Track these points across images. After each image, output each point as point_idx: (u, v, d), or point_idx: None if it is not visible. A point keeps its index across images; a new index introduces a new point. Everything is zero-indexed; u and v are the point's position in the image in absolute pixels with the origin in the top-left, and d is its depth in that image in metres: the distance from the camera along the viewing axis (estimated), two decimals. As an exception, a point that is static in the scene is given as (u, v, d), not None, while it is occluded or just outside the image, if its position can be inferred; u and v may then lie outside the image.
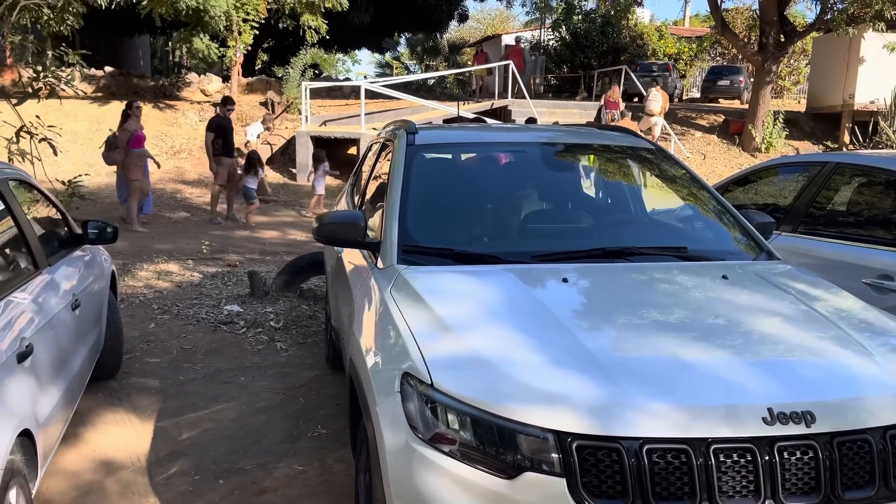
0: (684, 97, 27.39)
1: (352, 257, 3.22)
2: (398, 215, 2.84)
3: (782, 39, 16.81)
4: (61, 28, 5.93)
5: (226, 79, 20.42)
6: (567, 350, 1.97)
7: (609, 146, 3.51)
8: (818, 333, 2.21)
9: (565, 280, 2.41)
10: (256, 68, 27.66)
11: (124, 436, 3.90)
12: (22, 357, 2.48)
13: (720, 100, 25.21)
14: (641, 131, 14.80)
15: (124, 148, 10.06)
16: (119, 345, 4.58)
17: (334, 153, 14.67)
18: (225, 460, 3.65)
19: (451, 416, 1.85)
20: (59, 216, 3.88)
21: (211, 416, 4.18)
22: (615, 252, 2.68)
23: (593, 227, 3.14)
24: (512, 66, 18.10)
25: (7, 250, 2.95)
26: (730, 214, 3.10)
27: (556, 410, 1.77)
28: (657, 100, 16.13)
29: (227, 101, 11.67)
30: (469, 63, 33.21)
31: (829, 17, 16.27)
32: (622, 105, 16.34)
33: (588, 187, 3.47)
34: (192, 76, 20.48)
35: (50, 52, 5.68)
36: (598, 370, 1.87)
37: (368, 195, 3.89)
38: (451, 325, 2.11)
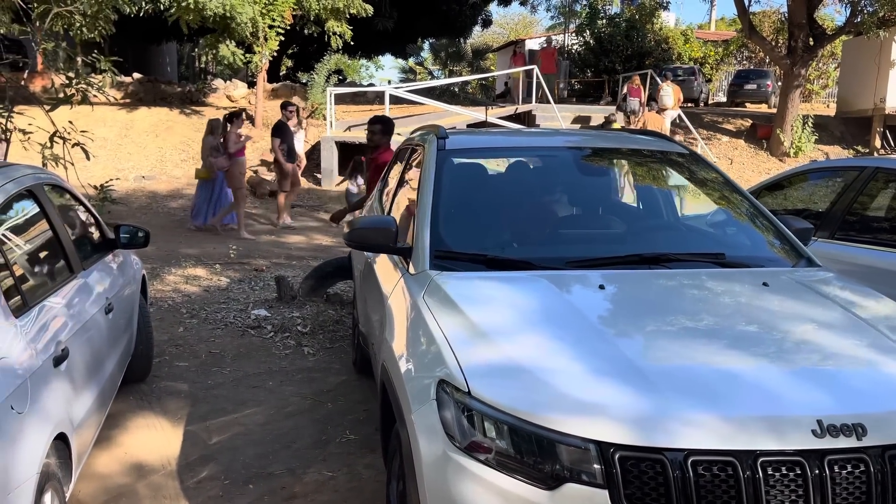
0: (710, 101, 27.13)
1: (383, 263, 3.21)
2: (430, 221, 2.82)
3: (811, 43, 16.57)
4: (93, 35, 6.01)
5: (251, 84, 20.59)
6: (606, 358, 1.93)
7: (640, 150, 3.46)
8: (865, 342, 2.15)
9: (601, 287, 2.37)
10: (281, 74, 27.90)
11: (155, 439, 3.91)
12: (58, 361, 2.50)
13: (746, 104, 24.93)
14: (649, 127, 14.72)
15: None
16: (150, 349, 4.61)
17: (354, 157, 14.73)
18: (254, 465, 3.65)
19: (488, 425, 1.82)
20: (91, 220, 3.92)
21: (240, 420, 4.18)
22: (651, 258, 2.63)
23: (627, 232, 3.09)
24: (536, 70, 18.04)
25: (43, 254, 2.97)
26: (766, 220, 3.03)
27: (597, 420, 1.73)
28: (669, 94, 16.05)
29: (286, 106, 11.61)
30: (492, 68, 33.21)
31: (858, 20, 16.01)
32: (644, 95, 16.35)
33: (620, 192, 3.42)
34: (219, 82, 20.72)
35: (79, 59, 5.73)
36: (639, 379, 1.83)
37: (398, 200, 3.87)
38: (486, 332, 2.08)
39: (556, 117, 16.59)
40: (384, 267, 3.17)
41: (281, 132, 10.99)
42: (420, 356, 2.17)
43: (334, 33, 16.54)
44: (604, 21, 27.55)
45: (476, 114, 16.37)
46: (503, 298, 2.32)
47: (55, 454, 2.43)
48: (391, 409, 2.55)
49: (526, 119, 17.43)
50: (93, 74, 5.84)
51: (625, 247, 2.87)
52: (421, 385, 2.04)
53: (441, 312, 2.24)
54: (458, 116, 16.58)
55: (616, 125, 15.18)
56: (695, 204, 3.34)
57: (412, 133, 4.64)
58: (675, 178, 3.38)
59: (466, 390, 1.86)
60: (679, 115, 16.66)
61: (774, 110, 23.44)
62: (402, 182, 3.92)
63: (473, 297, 2.32)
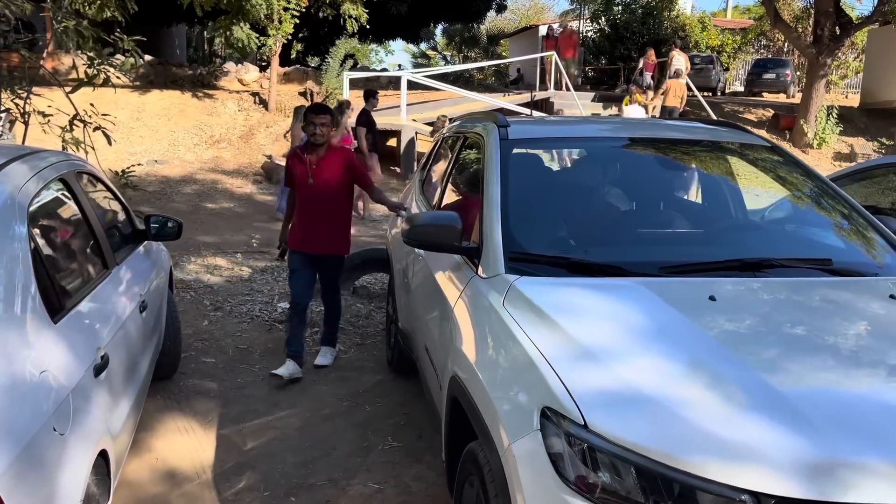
0: (727, 91, 26.73)
1: (441, 262, 2.95)
2: (500, 218, 2.56)
3: (837, 32, 16.19)
4: (114, 13, 5.73)
5: (262, 68, 20.29)
6: (744, 386, 1.66)
7: (719, 142, 3.19)
8: None
9: (712, 298, 2.11)
10: (291, 58, 27.54)
11: (187, 444, 3.69)
12: (98, 370, 2.26)
13: (764, 94, 24.53)
14: (671, 95, 14.99)
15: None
16: (178, 345, 4.39)
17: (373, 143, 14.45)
18: (294, 474, 3.42)
19: (608, 464, 1.57)
20: (121, 210, 3.68)
21: (274, 423, 3.96)
22: (752, 264, 2.37)
23: (718, 234, 2.83)
24: (555, 56, 17.69)
25: (78, 249, 2.73)
26: (867, 221, 2.76)
27: (750, 465, 1.47)
28: (681, 62, 15.82)
29: (371, 95, 11.27)
30: (504, 54, 32.76)
31: (886, 8, 15.61)
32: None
33: (698, 187, 3.15)
34: (230, 65, 20.39)
35: (99, 39, 5.45)
36: (790, 413, 1.57)
37: (448, 194, 3.62)
38: (590, 350, 1.83)
39: (576, 105, 16.25)
40: (443, 266, 2.92)
41: (367, 121, 10.66)
42: (510, 375, 1.92)
43: (350, 16, 16.23)
44: (619, 7, 27.10)
45: (493, 100, 16.05)
46: (601, 310, 2.06)
47: (94, 472, 2.20)
48: (463, 425, 2.31)
49: (543, 107, 17.10)
50: (116, 56, 5.56)
51: (721, 250, 2.60)
52: (518, 411, 1.79)
53: (530, 325, 1.99)
54: (474, 103, 16.26)
55: (635, 99, 14.91)
56: (783, 202, 3.08)
57: (452, 120, 4.38)
58: (758, 173, 3.11)
59: (581, 423, 1.60)
60: (687, 83, 16.46)
61: (793, 100, 23.13)
62: (450, 174, 3.66)
63: (565, 307, 2.06)
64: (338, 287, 4.78)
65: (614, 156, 3.15)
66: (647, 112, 15.10)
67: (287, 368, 4.46)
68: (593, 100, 18.31)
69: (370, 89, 11.82)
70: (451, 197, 3.61)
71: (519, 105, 15.85)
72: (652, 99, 15.69)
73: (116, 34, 5.51)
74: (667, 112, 15.47)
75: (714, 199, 3.16)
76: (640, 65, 18.04)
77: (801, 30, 21.82)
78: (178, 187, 12.68)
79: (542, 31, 31.46)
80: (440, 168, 4.12)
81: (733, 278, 2.28)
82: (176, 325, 4.32)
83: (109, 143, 5.49)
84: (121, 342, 2.64)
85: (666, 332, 1.92)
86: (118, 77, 5.66)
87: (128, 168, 6.09)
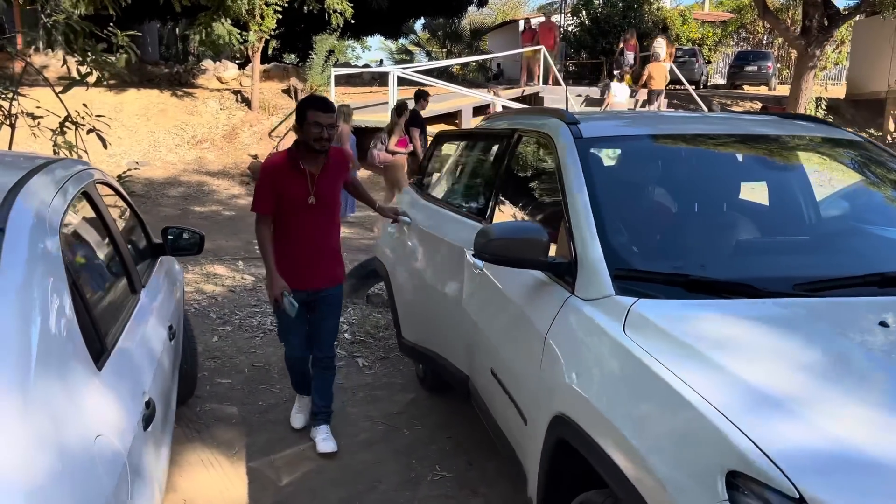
0: (709, 84, 26.69)
1: (513, 277, 2.63)
2: (595, 229, 2.25)
3: (826, 23, 16.12)
4: (108, 5, 5.31)
5: (240, 66, 19.75)
6: None
7: (810, 138, 2.89)
8: None
9: (884, 324, 1.81)
10: (269, 55, 26.92)
11: (215, 481, 3.33)
12: (147, 421, 1.90)
13: (745, 86, 24.54)
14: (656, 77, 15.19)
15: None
16: (194, 367, 4.01)
17: (358, 141, 14.05)
18: (341, 513, 3.09)
19: None
20: (137, 222, 3.30)
21: (308, 453, 3.61)
22: (893, 278, 2.08)
23: (831, 241, 2.55)
24: (544, 50, 17.42)
25: (108, 273, 2.37)
26: None
27: None
28: (662, 46, 15.99)
29: (422, 95, 10.99)
30: (484, 49, 32.45)
31: (875, -1, 15.58)
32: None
33: (798, 188, 2.85)
34: (208, 63, 19.83)
35: (81, 34, 5.02)
36: None
37: (503, 200, 3.28)
38: (772, 396, 1.50)
39: (567, 99, 15.98)
40: (517, 282, 2.59)
41: (419, 123, 10.25)
42: (665, 427, 1.58)
43: (335, 11, 15.76)
44: (600, 1, 26.97)
45: (483, 95, 15.74)
46: (759, 342, 1.75)
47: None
48: (572, 472, 2.00)
49: (533, 101, 16.81)
50: (108, 55, 5.14)
51: (849, 262, 2.31)
52: (688, 475, 1.46)
53: (675, 361, 1.67)
54: (463, 98, 15.94)
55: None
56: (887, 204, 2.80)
57: (492, 117, 4.06)
58: (851, 172, 2.83)
59: (795, 495, 1.29)
60: (672, 67, 16.55)
61: (775, 92, 23.15)
62: (502, 179, 3.31)
63: (713, 338, 1.75)
64: (337, 330, 3.82)
65: (704, 154, 2.85)
66: (631, 94, 15.26)
67: (301, 410, 3.89)
68: (578, 96, 18.06)
69: (421, 90, 11.45)
70: (509, 205, 3.27)
71: (510, 100, 15.54)
72: (639, 85, 15.70)
73: (110, 28, 5.09)
74: (655, 95, 15.58)
75: (811, 201, 2.86)
76: (622, 45, 18.23)
77: (787, 20, 21.81)
78: (163, 190, 12.21)
79: (522, 25, 31.22)
80: (487, 170, 3.79)
81: (887, 298, 1.99)
82: (192, 346, 3.95)
83: (105, 146, 5.09)
84: (159, 380, 2.28)
85: (851, 369, 1.62)
86: (110, 75, 5.24)
87: (124, 173, 5.66)
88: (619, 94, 15.03)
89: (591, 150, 2.62)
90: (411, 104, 10.63)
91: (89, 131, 5.04)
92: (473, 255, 2.53)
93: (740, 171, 2.85)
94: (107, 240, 2.42)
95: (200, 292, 6.19)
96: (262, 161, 3.34)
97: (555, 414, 2.03)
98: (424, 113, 15.26)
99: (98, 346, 1.81)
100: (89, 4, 5.58)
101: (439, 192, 4.86)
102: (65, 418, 1.42)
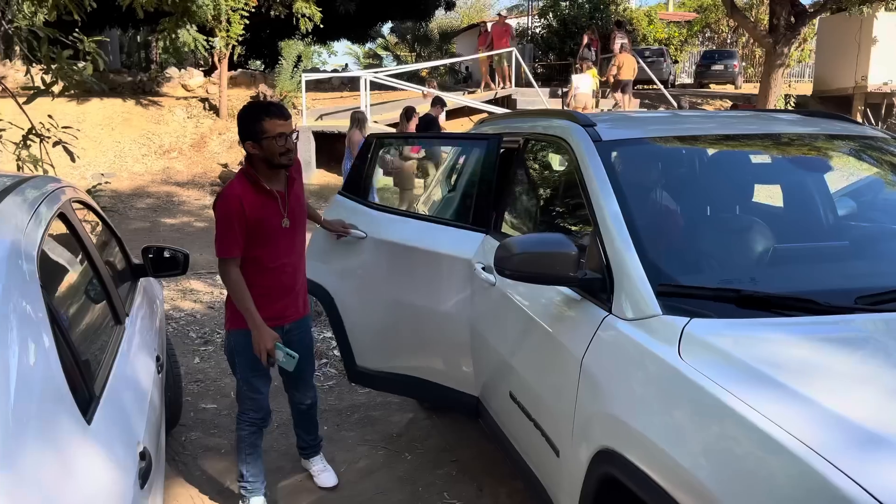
0: (676, 83, 26.90)
1: (534, 293, 2.43)
2: (631, 241, 2.06)
3: (793, 21, 16.28)
4: (71, 9, 5.00)
5: (207, 73, 19.32)
6: None
7: (845, 136, 2.73)
8: None
9: None
10: (234, 61, 26.44)
11: (208, 520, 3.08)
12: (144, 476, 1.66)
13: (711, 85, 24.77)
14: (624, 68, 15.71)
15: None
16: (179, 393, 3.75)
17: (331, 148, 13.78)
18: (348, 551, 2.86)
19: None
20: (114, 242, 3.04)
21: (306, 483, 3.37)
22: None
23: (875, 246, 2.39)
24: (515, 52, 17.31)
25: (91, 306, 2.11)
26: None
27: None
28: (625, 38, 16.83)
29: (438, 102, 10.83)
30: (453, 51, 32.30)
31: (840, -4, 15.78)
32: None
33: (831, 189, 2.70)
34: (173, 71, 19.37)
35: (45, 40, 4.72)
36: None
37: (509, 209, 3.08)
38: (875, 432, 1.32)
39: (542, 101, 15.90)
40: (540, 299, 2.39)
41: (434, 128, 9.96)
42: (747, 466, 1.37)
43: (303, 16, 15.47)
44: (567, 3, 27.05)
45: (458, 98, 15.57)
46: (840, 367, 1.56)
47: None
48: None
49: (506, 104, 16.68)
50: (76, 62, 4.83)
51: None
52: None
53: (749, 391, 1.48)
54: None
55: (586, 71, 15.15)
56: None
57: (493, 120, 3.86)
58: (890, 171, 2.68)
59: None
60: (643, 66, 17.38)
61: (742, 90, 23.38)
62: (512, 184, 3.11)
63: (786, 363, 1.56)
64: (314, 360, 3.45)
65: (737, 156, 2.67)
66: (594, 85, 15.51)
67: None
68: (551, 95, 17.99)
69: (439, 97, 11.32)
70: (516, 214, 3.07)
71: (484, 103, 15.39)
72: (608, 76, 16.24)
73: (76, 34, 4.79)
74: (622, 85, 16.10)
75: (853, 204, 2.71)
76: (585, 41, 18.81)
77: (754, 19, 22.04)
78: (130, 202, 11.80)
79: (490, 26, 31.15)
80: (467, 178, 3.59)
81: None
82: (176, 371, 3.69)
83: (73, 159, 4.79)
84: (152, 424, 2.04)
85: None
86: (76, 84, 4.94)
87: (94, 187, 5.34)
88: (582, 86, 15.14)
89: (614, 154, 2.44)
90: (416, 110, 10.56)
91: (55, 144, 4.73)
92: (490, 269, 2.32)
93: (775, 172, 2.68)
94: (87, 266, 2.17)
95: (178, 309, 5.89)
96: (218, 198, 2.79)
97: (600, 448, 1.84)
98: (392, 117, 15.07)
99: (86, 395, 1.57)
100: (52, 10, 5.27)
101: (424, 201, 4.65)
102: (55, 490, 1.19)
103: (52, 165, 4.78)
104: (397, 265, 3.36)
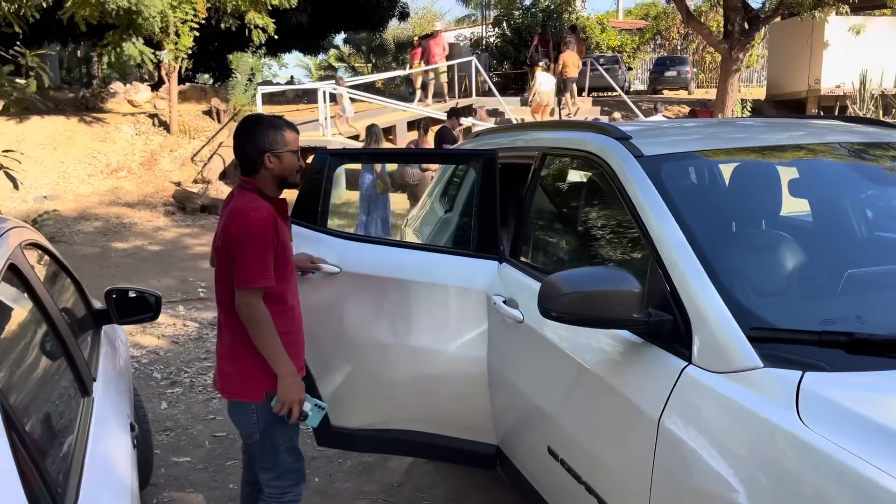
0: (631, 90, 27.13)
1: (578, 334, 2.09)
2: (705, 273, 1.75)
3: (747, 26, 16.47)
4: (10, 20, 4.52)
5: (154, 87, 18.60)
6: None
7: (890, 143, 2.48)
8: None
9: None
10: (181, 75, 25.66)
11: None
12: None
13: (665, 91, 25.01)
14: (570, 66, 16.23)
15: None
16: (149, 451, 3.31)
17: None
18: None
19: None
20: (73, 287, 2.60)
21: (302, 550, 2.96)
22: None
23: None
24: (475, 61, 17.10)
25: (49, 378, 1.70)
26: None
27: None
28: (572, 40, 17.20)
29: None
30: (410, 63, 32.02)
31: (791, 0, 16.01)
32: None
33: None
34: (118, 86, 18.61)
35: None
36: None
37: (533, 237, 2.73)
38: None
39: (505, 110, 15.69)
40: (587, 340, 2.06)
41: (451, 140, 9.49)
42: None
43: (256, 27, 14.95)
44: (520, 12, 27.11)
45: (420, 109, 15.25)
46: None
47: None
48: None
49: (467, 113, 16.40)
50: (15, 79, 4.34)
51: None
52: None
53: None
54: (396, 113, 15.42)
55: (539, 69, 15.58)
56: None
57: (497, 133, 3.52)
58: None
59: None
60: (602, 73, 18.37)
61: (693, 96, 23.65)
62: (532, 207, 2.74)
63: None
64: None
65: (812, 168, 2.37)
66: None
67: None
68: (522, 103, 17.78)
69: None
70: (538, 241, 2.73)
71: (445, 112, 15.08)
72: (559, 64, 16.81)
73: (17, 48, 4.31)
74: (570, 82, 16.41)
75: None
76: (535, 41, 19.69)
77: (711, 24, 22.36)
78: (75, 226, 11.11)
79: (447, 38, 30.96)
80: (466, 201, 3.24)
81: None
82: (145, 427, 3.25)
83: (16, 186, 4.29)
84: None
85: None
86: (36, 101, 4.44)
87: (40, 217, 4.83)
88: (545, 83, 15.30)
89: (662, 172, 2.12)
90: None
91: (-4, 170, 4.24)
92: (514, 303, 1.96)
93: (844, 187, 2.38)
94: (45, 328, 1.76)
95: (139, 346, 5.40)
96: (244, 215, 2.29)
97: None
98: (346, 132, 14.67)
99: (46, 496, 1.17)
100: (-11, 22, 4.76)
101: (413, 228, 4.28)
102: None
103: (-8, 193, 4.27)
104: (387, 302, 2.84)
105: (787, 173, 2.31)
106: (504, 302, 2.55)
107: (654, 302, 1.85)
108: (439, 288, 2.80)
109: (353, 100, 15.27)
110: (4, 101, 4.22)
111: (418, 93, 16.90)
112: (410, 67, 17.97)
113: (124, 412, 2.10)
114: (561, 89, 16.20)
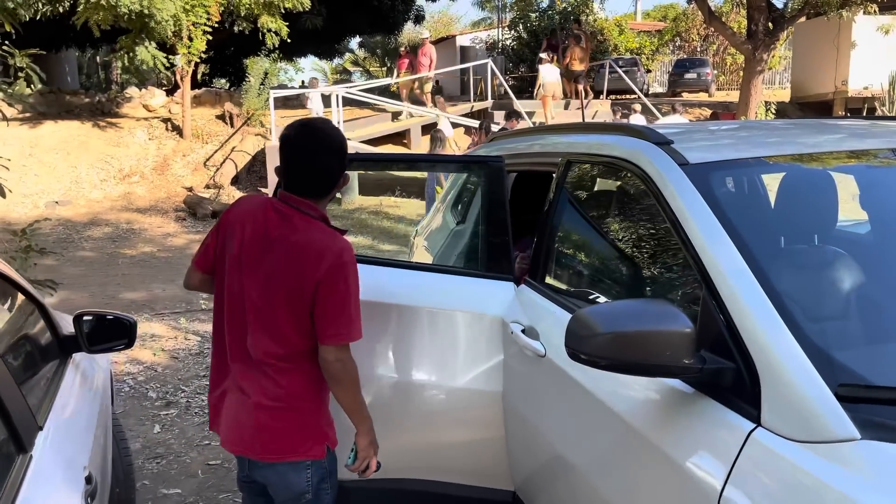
0: (650, 92, 26.68)
1: (613, 379, 1.74)
2: (776, 312, 1.41)
3: (771, 26, 16.01)
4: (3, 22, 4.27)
5: (169, 92, 18.47)
6: None
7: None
8: None
9: None
10: (197, 80, 25.57)
11: None
12: None
13: (684, 93, 24.51)
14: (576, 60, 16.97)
15: None
16: (130, 489, 3.00)
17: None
18: None
19: None
20: (36, 316, 2.31)
21: None
22: None
23: None
24: (491, 64, 16.78)
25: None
26: None
27: None
28: (580, 35, 18.15)
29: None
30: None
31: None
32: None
33: None
34: (133, 90, 18.53)
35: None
36: None
37: (557, 256, 2.38)
38: None
39: (522, 114, 15.34)
40: (623, 384, 1.73)
41: None
42: None
43: (269, 30, 14.75)
44: (536, 14, 26.76)
45: (435, 113, 14.95)
46: None
47: None
48: None
49: (483, 118, 16.07)
50: (4, 82, 4.08)
51: None
52: None
53: None
54: (411, 119, 15.13)
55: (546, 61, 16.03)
56: None
57: (518, 137, 3.18)
58: None
59: None
60: (621, 74, 18.75)
61: (714, 98, 23.15)
62: (551, 221, 2.40)
63: None
64: None
65: (863, 178, 2.03)
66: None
67: None
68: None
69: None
70: (559, 259, 2.39)
71: (461, 116, 14.80)
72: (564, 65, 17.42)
73: (6, 47, 4.05)
74: (574, 76, 17.11)
75: None
76: (544, 46, 20.72)
77: (734, 25, 21.88)
78: (85, 232, 10.94)
79: (460, 41, 30.67)
80: (473, 213, 2.90)
81: None
82: (126, 464, 2.95)
83: (3, 194, 4.02)
84: None
85: None
86: (11, 105, 4.19)
87: (31, 226, 4.57)
88: (549, 75, 15.64)
89: (712, 183, 1.79)
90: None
91: (-20, 177, 3.98)
92: (534, 333, 1.64)
93: None
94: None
95: (135, 362, 5.12)
96: (338, 256, 1.93)
97: None
98: (366, 133, 14.39)
99: None
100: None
101: (422, 238, 3.96)
102: None
103: (-22, 202, 4.02)
104: (382, 332, 2.45)
105: (844, 182, 1.95)
106: (523, 331, 2.22)
107: (707, 343, 1.51)
108: (443, 314, 2.46)
109: (363, 104, 14.97)
110: (-8, 105, 3.96)
111: (405, 102, 16.34)
112: (397, 76, 17.51)
113: (78, 463, 1.80)
114: (570, 82, 16.83)
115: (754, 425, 1.36)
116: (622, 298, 1.97)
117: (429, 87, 16.41)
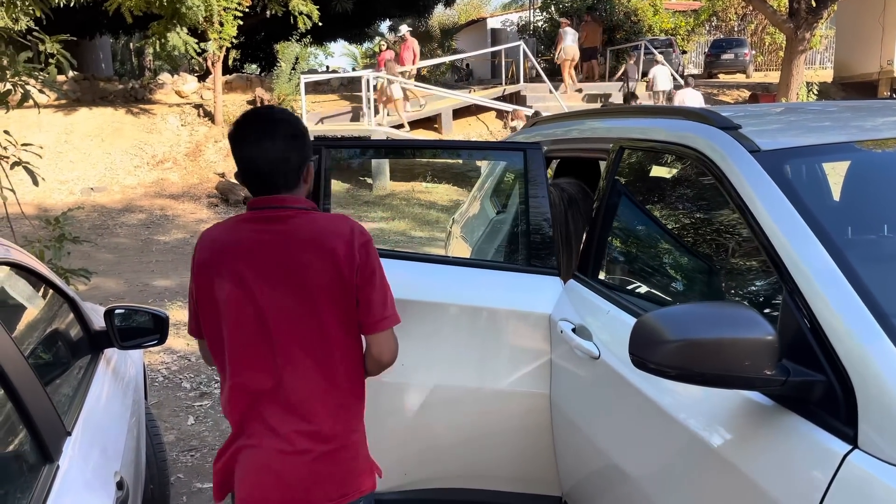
0: (685, 73, 26.09)
1: (677, 387, 1.60)
2: (874, 320, 1.25)
3: (814, 4, 15.47)
4: (33, 10, 4.22)
5: (201, 78, 18.52)
6: None
7: None
8: None
9: None
10: (228, 66, 25.63)
11: None
12: None
13: (720, 75, 23.91)
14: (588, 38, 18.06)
15: None
16: (164, 486, 2.94)
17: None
18: None
19: None
20: (66, 310, 2.23)
21: None
22: None
23: None
24: (523, 46, 16.51)
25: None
26: None
27: None
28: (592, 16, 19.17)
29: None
30: (459, 49, 31.44)
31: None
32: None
33: None
34: (166, 77, 18.58)
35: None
36: None
37: (611, 250, 2.23)
38: None
39: (555, 97, 15.08)
40: (685, 396, 1.59)
41: None
42: None
43: (300, 13, 14.64)
44: (568, -5, 26.28)
45: (464, 96, 14.78)
46: None
47: None
48: None
49: (515, 100, 15.85)
50: (37, 69, 4.02)
51: None
52: None
53: None
54: (441, 101, 14.95)
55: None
56: None
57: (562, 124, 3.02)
58: None
59: None
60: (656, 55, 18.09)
61: (751, 79, 22.55)
62: (604, 213, 2.24)
63: None
64: None
65: None
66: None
67: None
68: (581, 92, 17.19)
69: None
70: (613, 256, 2.24)
71: (493, 99, 14.59)
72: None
73: (36, 34, 3.99)
74: (592, 52, 18.56)
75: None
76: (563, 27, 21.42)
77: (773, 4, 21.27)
78: (119, 218, 11.01)
79: (491, 24, 30.30)
80: (515, 204, 2.74)
81: None
82: (160, 459, 2.89)
83: (35, 182, 3.98)
84: None
85: None
86: (42, 92, 4.15)
87: (65, 214, 4.53)
88: (567, 40, 16.29)
89: (790, 172, 1.63)
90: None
91: (14, 165, 3.94)
92: (587, 333, 1.50)
93: None
94: (17, 397, 1.37)
95: (169, 351, 5.09)
96: (362, 234, 1.72)
97: None
98: (391, 120, 14.22)
99: None
100: (9, 8, 4.46)
101: (459, 227, 3.82)
102: None
103: (11, 190, 3.98)
104: (416, 333, 2.23)
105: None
106: (573, 330, 2.08)
107: (791, 352, 1.36)
108: (486, 311, 2.33)
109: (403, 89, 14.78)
110: (22, 92, 3.90)
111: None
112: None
113: (109, 469, 1.71)
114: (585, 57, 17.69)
115: (850, 447, 1.21)
116: (684, 297, 1.82)
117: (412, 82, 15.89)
